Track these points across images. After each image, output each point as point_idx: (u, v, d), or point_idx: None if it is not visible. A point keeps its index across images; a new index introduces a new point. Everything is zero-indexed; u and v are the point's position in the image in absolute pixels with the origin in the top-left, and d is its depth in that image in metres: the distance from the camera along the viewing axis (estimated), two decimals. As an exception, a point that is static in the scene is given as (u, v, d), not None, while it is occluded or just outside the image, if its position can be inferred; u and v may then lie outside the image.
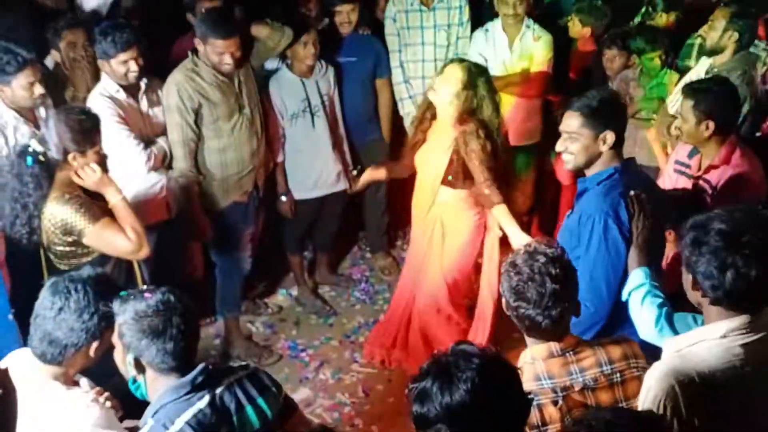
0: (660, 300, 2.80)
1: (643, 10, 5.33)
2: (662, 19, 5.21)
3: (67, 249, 3.50)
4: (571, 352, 2.46)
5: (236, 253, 4.78)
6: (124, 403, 2.66)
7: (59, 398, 2.51)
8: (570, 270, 2.48)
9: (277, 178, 4.95)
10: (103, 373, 2.67)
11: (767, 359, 2.23)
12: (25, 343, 2.85)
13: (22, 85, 3.87)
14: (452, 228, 4.35)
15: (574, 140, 3.13)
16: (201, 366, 2.35)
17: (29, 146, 3.46)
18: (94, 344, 2.54)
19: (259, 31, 4.54)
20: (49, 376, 2.53)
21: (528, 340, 2.52)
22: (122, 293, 2.41)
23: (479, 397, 1.89)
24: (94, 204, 3.50)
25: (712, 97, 3.50)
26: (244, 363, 2.57)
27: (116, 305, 2.36)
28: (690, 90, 3.61)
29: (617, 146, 3.13)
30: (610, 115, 3.10)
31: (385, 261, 5.69)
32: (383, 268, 5.66)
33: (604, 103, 3.10)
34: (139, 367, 2.34)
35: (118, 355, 2.40)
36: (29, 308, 2.61)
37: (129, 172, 4.11)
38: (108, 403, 2.55)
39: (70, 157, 3.45)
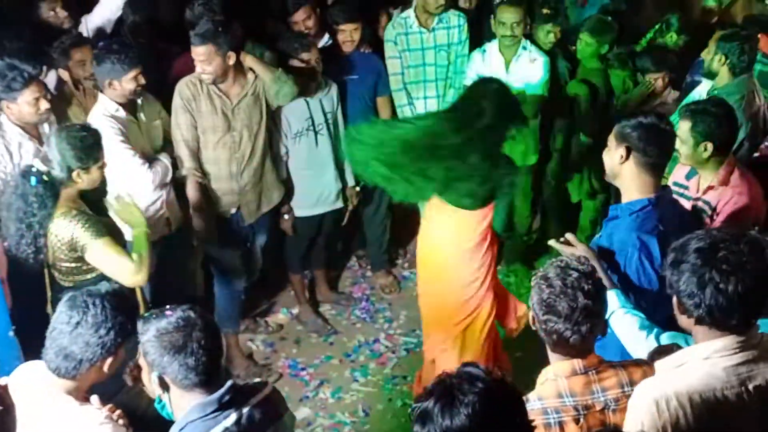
0: (643, 319, 2.80)
1: (657, 26, 5.37)
2: (672, 39, 5.27)
3: (72, 265, 3.52)
4: (593, 371, 2.46)
5: (225, 267, 4.78)
6: (130, 421, 2.65)
7: (72, 413, 2.50)
8: (601, 287, 2.49)
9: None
10: (107, 392, 2.67)
11: (751, 381, 2.22)
12: (25, 360, 2.85)
13: (29, 101, 3.90)
14: None
15: (608, 149, 3.14)
16: (228, 384, 2.34)
17: (32, 166, 3.49)
18: (109, 360, 2.54)
19: (264, 73, 4.55)
20: (62, 391, 2.53)
21: (552, 356, 2.52)
22: (146, 314, 2.42)
23: (480, 422, 1.86)
24: (100, 221, 3.53)
25: (710, 119, 3.51)
26: (261, 381, 2.56)
27: (140, 325, 2.37)
28: (687, 112, 3.61)
29: (652, 174, 3.05)
30: (636, 135, 3.02)
31: (386, 279, 5.68)
32: (384, 287, 5.65)
33: (636, 122, 3.05)
34: (164, 385, 2.34)
35: (144, 375, 2.40)
36: (30, 325, 2.62)
37: (133, 190, 4.11)
38: (120, 421, 2.55)
39: (74, 174, 3.47)
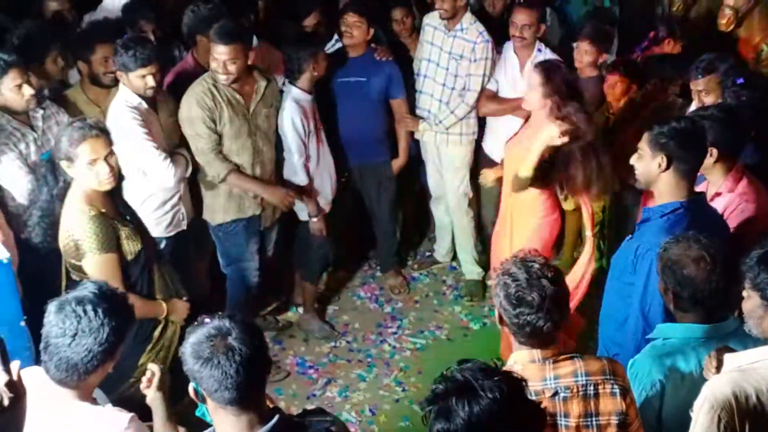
0: None
1: (652, 35, 5.35)
2: (669, 46, 5.23)
3: (78, 263, 3.45)
4: (550, 361, 2.51)
5: (241, 265, 4.76)
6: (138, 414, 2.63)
7: (88, 416, 2.48)
8: (560, 274, 2.55)
9: (306, 201, 4.84)
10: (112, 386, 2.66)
11: None
12: (36, 348, 2.85)
13: (10, 88, 3.91)
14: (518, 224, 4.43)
15: (640, 156, 3.20)
16: (275, 420, 2.15)
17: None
18: (110, 361, 2.51)
19: None
20: (72, 397, 2.49)
21: (515, 345, 2.57)
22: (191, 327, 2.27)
23: (505, 406, 1.91)
24: (114, 235, 3.43)
25: (715, 125, 3.49)
26: (329, 419, 2.31)
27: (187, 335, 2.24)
28: (694, 118, 3.59)
29: (688, 179, 3.13)
30: (674, 141, 3.10)
31: (395, 280, 5.67)
32: (393, 288, 5.65)
33: (672, 129, 3.13)
34: (199, 396, 2.20)
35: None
36: (41, 315, 2.59)
37: (154, 185, 4.16)
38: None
39: (63, 164, 3.38)
